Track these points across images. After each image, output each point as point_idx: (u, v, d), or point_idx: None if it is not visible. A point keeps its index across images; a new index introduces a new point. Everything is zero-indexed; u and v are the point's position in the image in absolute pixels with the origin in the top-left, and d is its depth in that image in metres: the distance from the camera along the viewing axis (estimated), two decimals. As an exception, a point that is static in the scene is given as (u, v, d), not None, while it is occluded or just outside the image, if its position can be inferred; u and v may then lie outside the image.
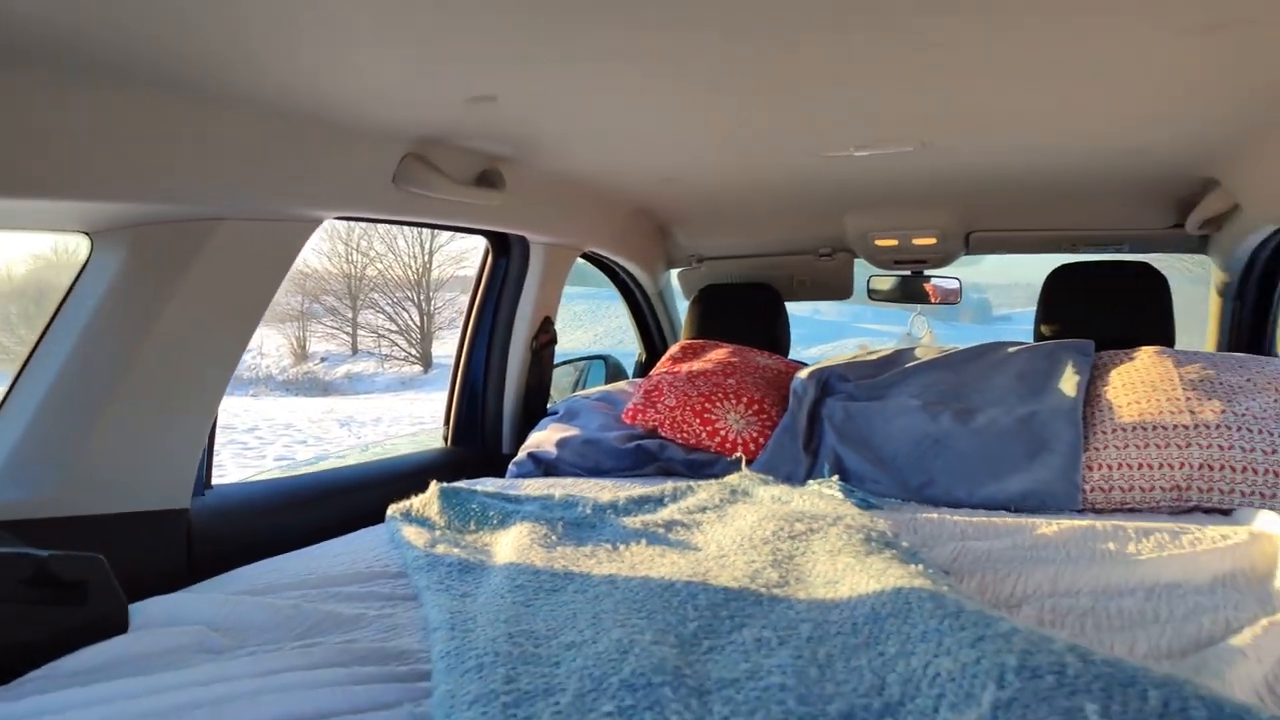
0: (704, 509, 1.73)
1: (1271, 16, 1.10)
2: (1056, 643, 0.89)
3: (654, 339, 3.52)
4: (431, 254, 17.59)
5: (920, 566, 1.25)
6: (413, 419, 11.84)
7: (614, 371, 3.66)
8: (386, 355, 16.99)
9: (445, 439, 2.63)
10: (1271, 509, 1.68)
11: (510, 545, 1.56)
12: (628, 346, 3.78)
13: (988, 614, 1.00)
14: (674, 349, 2.76)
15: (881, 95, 1.53)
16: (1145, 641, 1.11)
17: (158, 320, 1.48)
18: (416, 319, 17.07)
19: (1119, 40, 1.26)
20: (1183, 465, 1.84)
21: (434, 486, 1.82)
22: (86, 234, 1.45)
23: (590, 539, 1.58)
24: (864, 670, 0.95)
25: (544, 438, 2.41)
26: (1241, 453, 1.82)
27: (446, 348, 17.52)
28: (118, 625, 1.19)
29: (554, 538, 1.58)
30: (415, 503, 1.81)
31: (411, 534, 1.65)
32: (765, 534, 1.49)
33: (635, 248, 2.97)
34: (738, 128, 1.77)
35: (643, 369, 3.59)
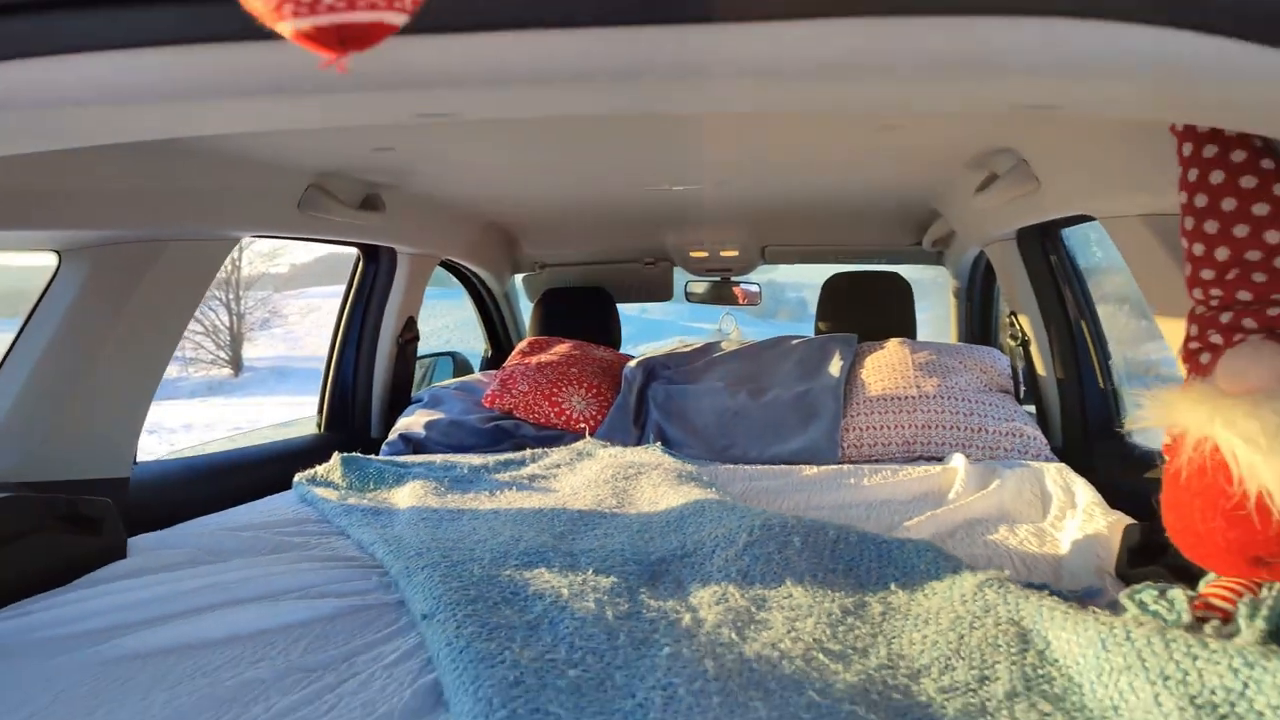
0: (558, 465, 2.31)
1: (914, 123, 1.81)
2: (786, 516, 1.54)
3: (499, 336, 4.05)
4: (241, 250, 17.07)
5: (715, 490, 1.89)
6: (230, 425, 11.65)
7: (461, 366, 4.16)
8: (191, 358, 16.37)
9: (319, 425, 3.06)
10: (966, 454, 2.43)
11: (408, 496, 2.07)
12: (455, 343, 4.23)
13: (752, 508, 1.64)
14: (523, 344, 3.31)
15: (688, 148, 2.15)
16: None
17: (114, 322, 1.89)
18: (225, 320, 16.54)
19: (848, 133, 1.94)
20: (910, 426, 2.58)
21: (336, 456, 2.29)
22: (56, 252, 1.84)
23: (472, 489, 2.12)
24: (671, 539, 1.56)
25: (412, 421, 2.90)
26: (950, 415, 2.58)
27: (260, 350, 17.05)
28: (120, 553, 1.62)
29: (443, 489, 2.11)
30: (319, 470, 2.28)
31: (322, 493, 2.13)
32: (606, 477, 2.09)
33: (486, 256, 3.50)
34: (575, 167, 2.35)
35: (488, 363, 4.10)
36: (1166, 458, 1.09)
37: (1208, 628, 0.95)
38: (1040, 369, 2.74)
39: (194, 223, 1.98)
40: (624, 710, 0.93)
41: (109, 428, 1.96)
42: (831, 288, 3.40)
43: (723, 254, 3.55)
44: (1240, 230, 1.02)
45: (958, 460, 2.33)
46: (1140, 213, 1.62)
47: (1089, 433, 2.52)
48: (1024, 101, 0.71)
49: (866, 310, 3.33)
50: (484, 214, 3.19)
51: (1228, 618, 1.00)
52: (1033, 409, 2.81)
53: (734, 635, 1.14)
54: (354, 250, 3.02)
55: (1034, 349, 2.76)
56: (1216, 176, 1.04)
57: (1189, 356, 1.08)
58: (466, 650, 1.06)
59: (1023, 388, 2.86)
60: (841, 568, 1.37)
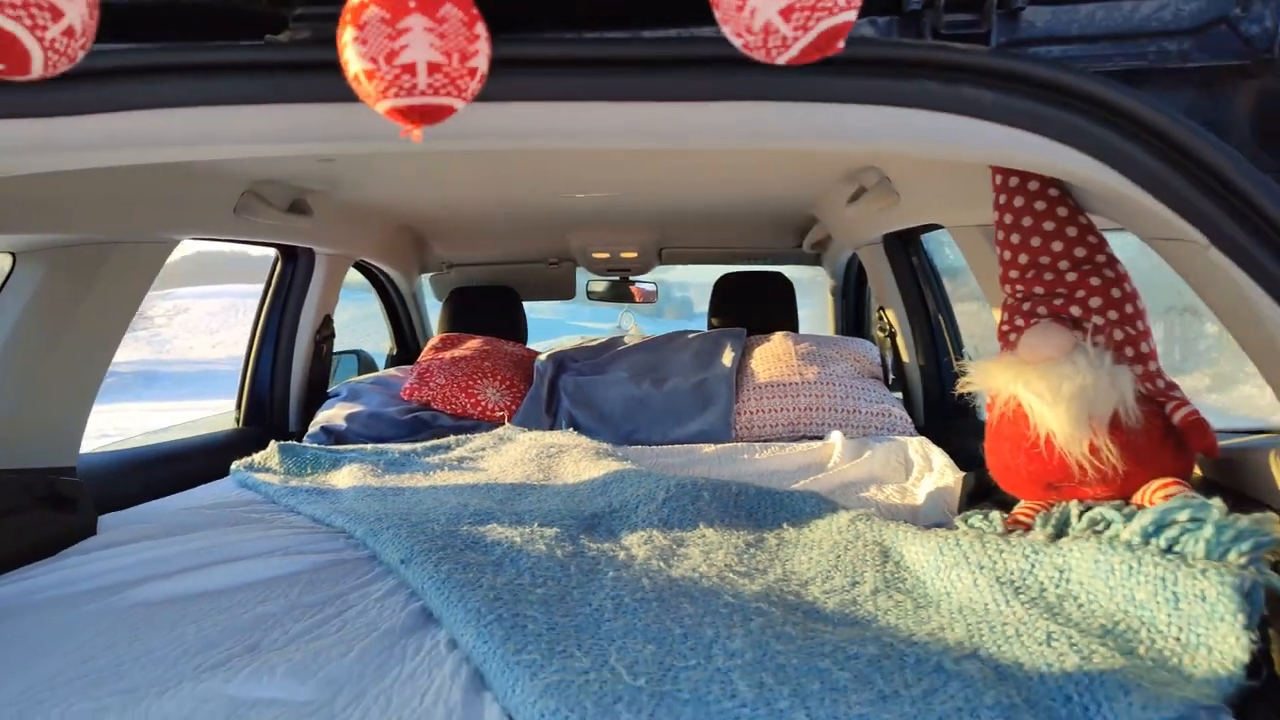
0: (483, 449, 2.56)
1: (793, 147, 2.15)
2: (701, 488, 1.85)
3: (405, 334, 4.24)
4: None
5: (630, 463, 2.19)
6: (94, 433, 11.19)
7: (366, 364, 4.32)
8: None
9: (237, 420, 3.20)
10: (843, 431, 2.80)
11: (347, 477, 2.28)
12: (348, 341, 4.32)
13: (665, 474, 1.95)
14: (435, 340, 3.53)
15: (592, 162, 2.44)
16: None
17: (65, 320, 2.04)
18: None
19: (737, 150, 2.27)
20: (794, 409, 2.94)
21: (273, 445, 2.47)
22: (11, 254, 1.98)
23: (405, 470, 2.35)
24: (599, 500, 1.85)
25: (333, 414, 3.09)
26: (828, 399, 2.95)
27: (122, 354, 16.36)
28: (92, 530, 1.80)
29: (379, 470, 2.33)
30: (256, 458, 2.46)
31: (263, 478, 2.32)
32: (530, 455, 2.36)
33: (398, 257, 3.70)
34: (486, 175, 2.61)
35: (393, 361, 4.28)
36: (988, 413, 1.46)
37: (1013, 535, 1.31)
38: (905, 357, 3.16)
39: (139, 227, 2.14)
40: (584, 614, 1.22)
41: (59, 419, 2.10)
42: (722, 287, 3.76)
43: (623, 255, 3.86)
44: (1035, 241, 1.39)
45: (835, 436, 2.70)
46: (977, 223, 2.01)
47: (946, 410, 2.94)
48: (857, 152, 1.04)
49: (753, 307, 3.70)
50: (398, 217, 3.40)
51: (1028, 528, 1.36)
52: (899, 395, 3.23)
53: (662, 564, 1.44)
54: (269, 251, 3.18)
55: (900, 340, 3.18)
56: (1018, 200, 1.40)
57: (1001, 336, 1.45)
58: (448, 581, 1.32)
59: (890, 374, 3.28)
60: (743, 514, 1.69)
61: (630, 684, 0.97)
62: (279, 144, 1.05)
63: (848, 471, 2.28)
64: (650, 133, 1.00)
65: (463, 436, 2.72)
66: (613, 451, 2.38)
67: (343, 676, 1.10)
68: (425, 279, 4.20)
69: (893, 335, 3.23)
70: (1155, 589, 1.00)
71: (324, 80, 0.95)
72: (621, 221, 3.61)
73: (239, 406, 3.22)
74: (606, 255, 3.88)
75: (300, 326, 3.21)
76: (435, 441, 2.68)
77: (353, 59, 0.71)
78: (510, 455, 2.44)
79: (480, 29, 0.74)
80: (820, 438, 2.86)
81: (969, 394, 2.90)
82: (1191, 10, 1.02)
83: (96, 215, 1.98)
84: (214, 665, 1.12)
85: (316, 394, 3.37)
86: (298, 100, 1.00)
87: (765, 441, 2.86)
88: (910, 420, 2.88)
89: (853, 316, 3.98)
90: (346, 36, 0.71)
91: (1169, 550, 1.06)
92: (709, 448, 2.65)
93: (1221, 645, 0.93)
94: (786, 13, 0.67)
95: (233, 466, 2.45)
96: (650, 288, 4.34)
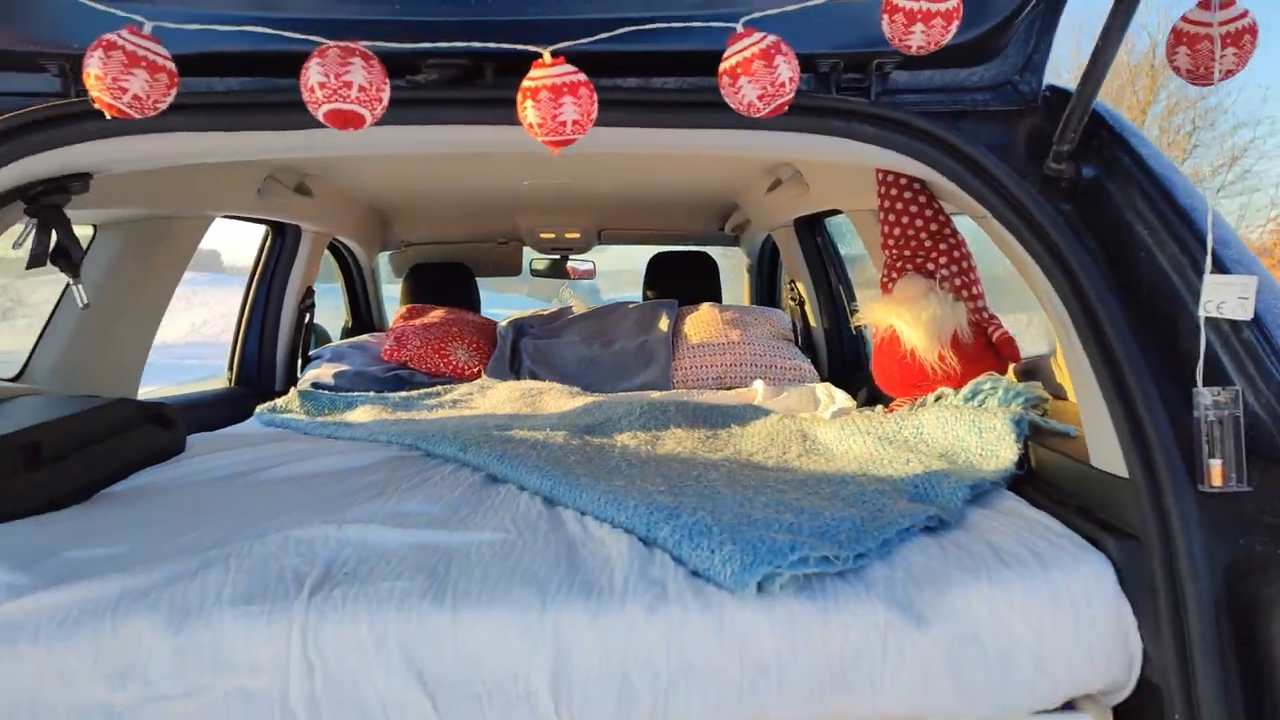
0: (470, 394, 3.15)
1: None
2: (668, 404, 2.49)
3: (360, 307, 4.75)
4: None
5: (600, 394, 2.82)
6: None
7: (321, 336, 4.81)
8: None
9: (229, 380, 3.69)
10: (763, 380, 3.49)
11: (364, 415, 2.84)
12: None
13: (635, 400, 2.59)
14: (402, 310, 4.08)
15: (539, 156, 3.04)
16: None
17: (134, 278, 2.55)
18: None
19: (675, 158, 2.92)
20: (722, 365, 3.62)
21: (293, 391, 3.01)
22: (93, 225, 2.48)
23: (412, 409, 2.92)
24: (586, 418, 2.48)
25: (320, 373, 3.61)
26: (750, 356, 3.64)
27: None
28: (182, 447, 2.32)
29: (389, 409, 2.90)
30: (278, 402, 2.99)
31: (289, 417, 2.85)
32: (515, 396, 2.97)
33: (365, 235, 4.22)
34: (448, 164, 3.18)
35: (348, 333, 4.78)
36: (874, 341, 2.16)
37: (888, 414, 2.01)
38: (813, 322, 3.89)
39: (189, 204, 2.65)
40: (609, 467, 1.85)
41: (126, 360, 2.61)
42: (656, 264, 4.43)
43: (567, 235, 4.48)
44: (904, 219, 2.09)
45: (758, 384, 3.39)
46: (868, 208, 2.71)
47: (846, 364, 3.67)
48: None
49: (683, 281, 4.37)
50: (369, 199, 3.93)
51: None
52: (808, 361, 3.95)
53: (649, 449, 2.09)
54: (257, 227, 3.67)
55: (808, 307, 3.90)
56: (893, 192, 2.10)
57: (883, 285, 2.15)
58: (504, 457, 1.94)
59: (799, 337, 4.00)
60: (701, 420, 2.35)
61: (656, 490, 1.61)
62: (407, 149, 1.64)
63: (771, 406, 2.96)
64: (662, 144, 1.64)
65: (449, 387, 3.30)
66: (582, 392, 3.01)
67: (457, 502, 1.70)
68: (384, 257, 4.71)
69: (802, 304, 3.94)
70: (969, 426, 1.71)
71: (447, 110, 1.57)
72: (566, 206, 4.23)
73: (230, 368, 3.70)
74: (552, 235, 4.49)
75: (286, 296, 3.72)
76: (425, 390, 3.26)
77: (530, 114, 1.32)
78: (496, 397, 3.03)
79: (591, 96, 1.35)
80: (745, 386, 3.54)
81: (861, 347, 3.63)
82: (990, 75, 1.71)
83: (160, 195, 2.49)
84: (366, 500, 1.71)
85: (298, 357, 3.87)
86: (425, 123, 1.61)
87: (700, 389, 3.52)
88: (816, 373, 3.60)
89: (766, 290, 4.69)
90: (528, 103, 1.31)
91: (980, 405, 1.76)
92: (655, 394, 3.30)
93: (1004, 453, 1.64)
94: (762, 97, 1.31)
95: (257, 410, 2.97)
96: (587, 266, 4.96)
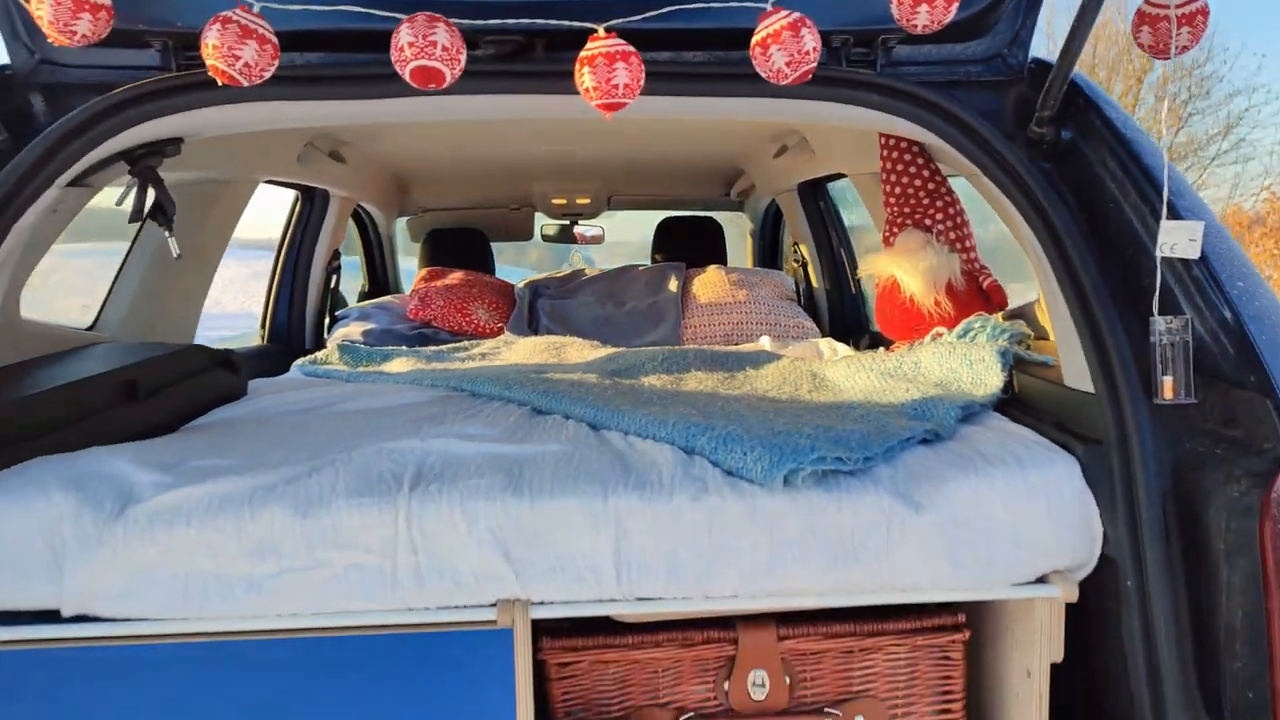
0: (497, 348, 3.40)
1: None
2: (686, 352, 2.75)
3: (377, 272, 5.00)
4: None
5: (619, 347, 3.08)
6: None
7: (338, 301, 5.05)
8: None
9: (262, 338, 3.94)
10: (769, 336, 3.76)
11: (401, 366, 3.10)
12: None
13: (655, 349, 2.85)
14: (422, 273, 4.32)
15: (555, 123, 3.28)
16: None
17: (193, 236, 2.79)
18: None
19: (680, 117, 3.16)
20: (729, 323, 3.89)
21: (332, 344, 3.26)
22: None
23: (445, 361, 3.18)
24: (612, 365, 2.74)
25: (349, 331, 3.86)
26: (756, 315, 3.91)
27: None
28: (244, 391, 2.57)
29: (424, 361, 3.15)
30: (318, 355, 3.24)
31: (330, 368, 3.10)
32: (540, 349, 3.23)
33: (387, 201, 4.46)
34: (469, 132, 3.42)
35: (364, 296, 5.03)
36: (877, 290, 2.42)
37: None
38: (815, 283, 4.15)
39: (240, 169, 2.89)
40: (643, 397, 2.11)
41: (185, 314, 2.86)
42: (664, 228, 4.68)
43: (578, 201, 4.73)
44: (904, 179, 2.35)
45: (764, 339, 3.65)
46: (871, 170, 2.97)
47: (846, 323, 3.94)
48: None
49: (690, 245, 4.63)
50: (394, 165, 4.16)
51: (900, 355, 2.34)
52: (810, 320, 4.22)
53: (674, 386, 2.35)
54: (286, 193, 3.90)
55: (810, 269, 4.16)
56: (894, 154, 2.35)
57: (885, 240, 2.41)
58: (547, 393, 2.20)
59: (802, 297, 4.26)
60: (719, 365, 2.62)
61: (689, 413, 1.87)
62: (464, 115, 1.88)
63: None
64: (691, 110, 1.89)
65: (474, 342, 3.56)
66: (603, 345, 3.27)
67: (513, 426, 1.97)
68: (402, 222, 4.95)
69: (805, 265, 4.21)
70: (961, 359, 1.98)
71: (505, 81, 1.81)
72: (578, 173, 4.47)
73: (262, 326, 3.95)
74: (564, 201, 4.74)
75: (315, 258, 3.96)
76: (453, 345, 3.51)
77: (587, 79, 1.56)
78: (522, 350, 3.29)
79: (639, 64, 1.60)
80: (752, 343, 3.81)
81: (861, 305, 3.89)
82: (982, 49, 1.96)
83: (215, 160, 2.73)
84: (431, 426, 1.97)
85: (325, 317, 4.13)
86: (484, 92, 1.85)
87: (710, 345, 3.79)
88: (818, 330, 3.87)
89: (768, 253, 4.95)
90: (585, 70, 1.55)
91: (970, 340, 2.03)
92: (669, 348, 3.57)
93: (991, 380, 1.91)
94: (789, 64, 1.55)
95: (295, 363, 3.22)
96: (595, 232, 5.21)
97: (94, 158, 1.79)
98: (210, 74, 1.56)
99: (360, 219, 4.63)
